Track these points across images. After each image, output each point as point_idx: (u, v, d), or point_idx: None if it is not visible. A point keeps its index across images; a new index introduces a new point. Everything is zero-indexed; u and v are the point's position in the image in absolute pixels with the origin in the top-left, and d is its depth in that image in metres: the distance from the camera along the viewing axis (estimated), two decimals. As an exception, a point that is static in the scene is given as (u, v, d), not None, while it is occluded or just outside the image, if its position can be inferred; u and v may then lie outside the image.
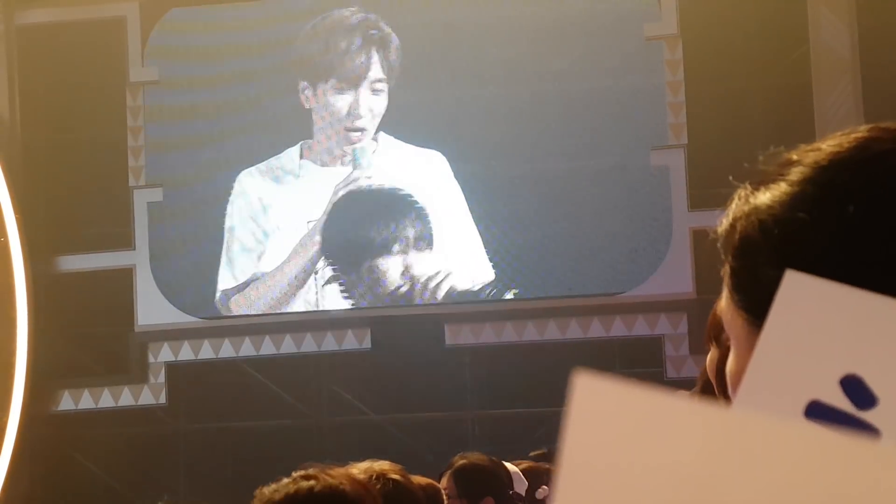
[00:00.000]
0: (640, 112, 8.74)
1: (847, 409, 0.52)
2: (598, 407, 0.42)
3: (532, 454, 5.51)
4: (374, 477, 2.53)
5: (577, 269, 8.68)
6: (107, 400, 9.20)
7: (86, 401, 9.21)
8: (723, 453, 0.41)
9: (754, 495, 0.41)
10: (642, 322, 8.70)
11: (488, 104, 8.85)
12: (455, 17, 8.97)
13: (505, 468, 4.18)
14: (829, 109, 8.37)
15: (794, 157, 0.81)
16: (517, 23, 8.87)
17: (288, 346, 9.06)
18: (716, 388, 1.74)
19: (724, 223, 0.83)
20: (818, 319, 0.54)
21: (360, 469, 2.57)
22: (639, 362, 8.56)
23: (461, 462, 3.80)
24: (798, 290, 0.54)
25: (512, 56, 8.85)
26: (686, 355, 8.56)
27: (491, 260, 8.77)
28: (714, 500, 0.41)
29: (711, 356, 1.87)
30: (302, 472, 2.05)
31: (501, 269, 8.77)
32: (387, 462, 2.67)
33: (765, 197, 0.80)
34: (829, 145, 0.80)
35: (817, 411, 0.53)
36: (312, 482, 2.01)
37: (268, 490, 2.03)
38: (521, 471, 4.60)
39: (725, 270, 0.83)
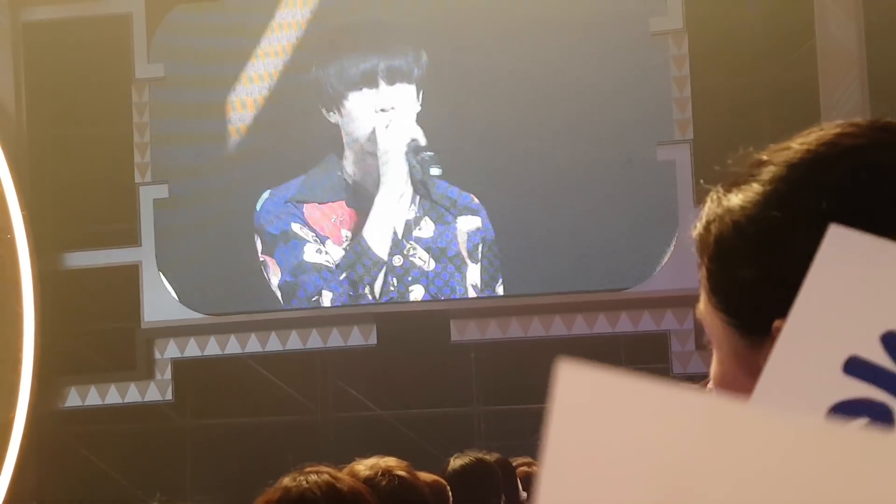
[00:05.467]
0: (645, 107, 8.73)
1: (887, 365, 0.52)
2: (582, 397, 0.41)
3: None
4: (379, 473, 2.53)
5: (583, 265, 8.67)
6: (113, 396, 9.22)
7: (92, 397, 9.23)
8: (711, 443, 0.41)
9: (744, 487, 0.40)
10: (648, 318, 8.70)
11: (493, 101, 8.84)
12: (458, 15, 8.96)
13: (504, 468, 4.16)
14: (835, 104, 8.35)
15: (765, 157, 0.81)
16: (522, 19, 8.86)
17: (294, 342, 9.07)
18: None
19: (698, 226, 0.84)
20: (861, 274, 0.53)
21: (366, 465, 2.56)
22: (645, 358, 8.55)
23: (451, 468, 3.78)
24: (841, 244, 0.53)
25: (517, 52, 8.84)
26: (692, 351, 8.55)
27: (497, 255, 8.77)
28: (701, 491, 0.40)
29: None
30: (298, 471, 2.06)
31: (507, 265, 8.77)
32: (393, 458, 2.67)
33: (737, 198, 0.80)
34: (799, 143, 0.80)
35: (856, 367, 0.52)
36: (306, 479, 2.01)
37: (269, 489, 2.04)
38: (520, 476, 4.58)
39: (702, 273, 0.83)
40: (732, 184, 0.82)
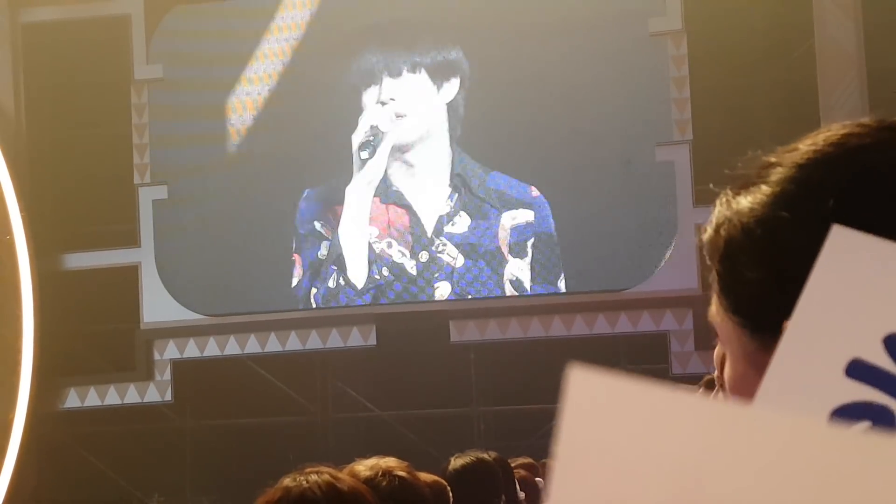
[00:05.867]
0: (644, 108, 8.73)
1: (890, 368, 0.52)
2: (593, 402, 0.42)
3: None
4: (380, 474, 2.53)
5: (583, 265, 8.67)
6: (113, 397, 9.22)
7: (92, 398, 9.23)
8: (722, 449, 0.41)
9: (752, 491, 0.40)
10: (647, 318, 8.70)
11: (493, 101, 8.83)
12: (460, 12, 8.95)
13: (503, 468, 4.17)
14: (834, 104, 8.36)
15: (773, 159, 0.81)
16: (522, 19, 8.86)
17: (293, 342, 9.07)
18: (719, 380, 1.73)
19: (708, 230, 0.84)
20: (863, 276, 0.53)
21: (366, 466, 2.56)
22: (644, 358, 8.55)
23: (452, 468, 3.78)
24: (844, 246, 0.53)
25: (518, 52, 8.84)
26: (692, 351, 8.55)
27: (496, 255, 8.75)
28: (709, 495, 0.41)
29: (718, 350, 1.86)
30: (298, 472, 2.06)
31: (506, 265, 8.76)
32: (393, 459, 2.67)
33: (746, 200, 0.81)
34: (806, 145, 0.81)
35: (859, 370, 0.52)
36: (306, 479, 2.02)
37: (270, 490, 2.04)
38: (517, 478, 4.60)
39: (713, 276, 0.83)
40: (741, 186, 0.82)
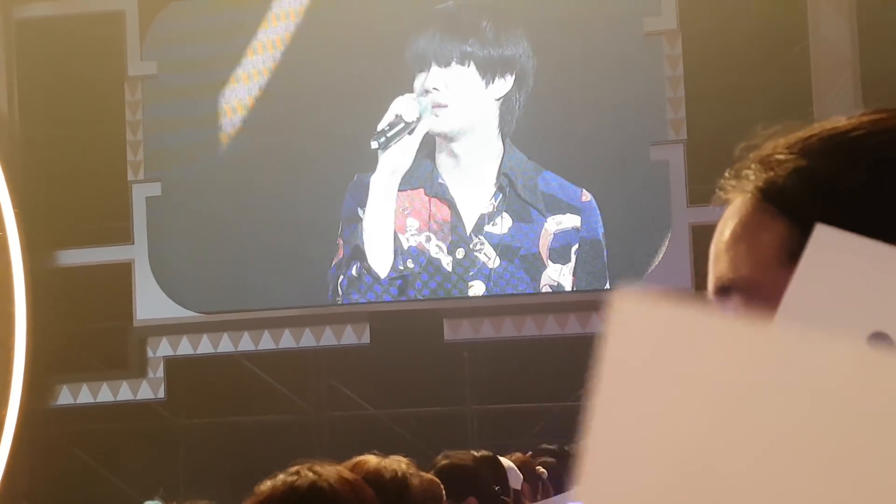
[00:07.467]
0: (639, 107, 8.73)
1: None
2: (636, 323, 0.42)
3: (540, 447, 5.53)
4: (394, 473, 2.53)
5: (577, 265, 8.67)
6: (105, 394, 9.21)
7: (84, 395, 9.22)
8: (768, 370, 0.41)
9: (801, 413, 0.40)
10: (641, 317, 8.69)
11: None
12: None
13: (494, 465, 4.18)
14: (828, 105, 8.37)
15: (798, 134, 0.78)
16: (517, 17, 8.85)
17: (287, 340, 9.07)
18: None
19: (749, 207, 0.77)
20: (848, 275, 0.53)
21: (373, 464, 2.56)
22: (638, 357, 8.55)
23: (443, 462, 3.80)
24: (828, 245, 0.53)
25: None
26: (685, 350, 8.56)
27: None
28: (758, 418, 0.41)
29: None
30: (285, 473, 2.07)
31: (502, 264, 8.76)
32: (403, 458, 2.67)
33: (817, 160, 0.75)
34: (826, 127, 0.78)
35: None
36: (294, 478, 2.02)
37: (258, 487, 2.05)
38: (516, 465, 4.61)
39: (788, 237, 0.74)
40: (799, 148, 0.77)
